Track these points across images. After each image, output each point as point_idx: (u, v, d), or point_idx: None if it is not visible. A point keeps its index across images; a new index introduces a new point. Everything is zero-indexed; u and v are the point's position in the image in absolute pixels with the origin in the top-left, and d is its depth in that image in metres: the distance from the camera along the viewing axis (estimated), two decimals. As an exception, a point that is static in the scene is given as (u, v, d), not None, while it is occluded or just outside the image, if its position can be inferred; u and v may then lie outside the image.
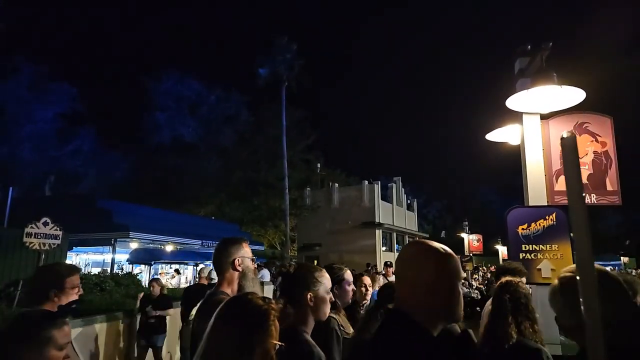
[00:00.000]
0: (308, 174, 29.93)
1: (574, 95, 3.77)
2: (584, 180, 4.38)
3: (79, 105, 27.46)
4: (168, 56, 52.60)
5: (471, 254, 28.38)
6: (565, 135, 0.95)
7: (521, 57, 4.44)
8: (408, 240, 32.40)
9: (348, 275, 2.74)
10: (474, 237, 27.90)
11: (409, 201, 33.08)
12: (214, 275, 7.00)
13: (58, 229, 5.15)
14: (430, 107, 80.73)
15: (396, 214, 29.64)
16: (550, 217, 4.28)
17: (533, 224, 4.30)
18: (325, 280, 1.88)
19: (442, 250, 1.18)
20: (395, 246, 29.81)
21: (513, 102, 4.08)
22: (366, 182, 27.49)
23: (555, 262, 4.22)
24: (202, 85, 31.56)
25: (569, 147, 0.96)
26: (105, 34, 49.76)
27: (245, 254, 2.11)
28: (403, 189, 31.64)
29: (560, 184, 4.41)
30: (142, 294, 6.12)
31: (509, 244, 4.42)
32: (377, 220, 26.56)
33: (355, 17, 76.83)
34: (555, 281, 1.52)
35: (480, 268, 24.07)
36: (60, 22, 46.36)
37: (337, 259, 22.73)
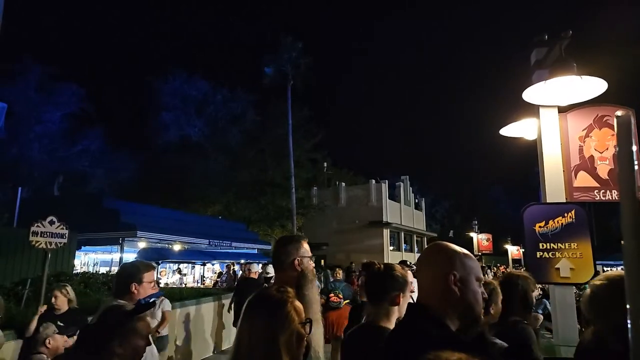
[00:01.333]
0: (315, 173, 29.82)
1: (595, 86, 3.60)
2: (605, 176, 4.21)
3: (87, 105, 27.64)
4: (174, 56, 52.84)
5: (480, 254, 28.12)
6: (619, 114, 0.83)
7: (538, 47, 4.28)
8: (416, 240, 32.15)
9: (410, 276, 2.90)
10: (483, 236, 27.64)
11: (416, 200, 32.84)
12: (255, 268, 7.98)
13: (64, 227, 5.09)
14: (439, 104, 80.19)
15: (404, 213, 29.43)
16: (569, 214, 4.12)
17: (551, 222, 4.14)
18: (410, 280, 2.03)
19: (458, 250, 1.25)
20: (403, 246, 29.60)
21: (530, 95, 3.92)
22: (373, 181, 27.32)
23: (575, 261, 4.06)
24: (209, 85, 31.62)
25: (624, 127, 0.81)
26: (112, 34, 50.11)
27: (304, 253, 2.10)
28: (411, 188, 31.41)
29: (580, 180, 4.24)
30: (44, 306, 4.37)
31: (526, 243, 4.26)
32: (384, 219, 26.39)
33: (363, 14, 76.51)
34: (587, 290, 1.62)
35: (491, 267, 23.78)
36: (67, 23, 46.75)
37: (344, 258, 22.59)
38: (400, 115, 78.60)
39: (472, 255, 1.26)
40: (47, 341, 3.15)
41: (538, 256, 4.13)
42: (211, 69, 52.11)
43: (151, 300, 1.87)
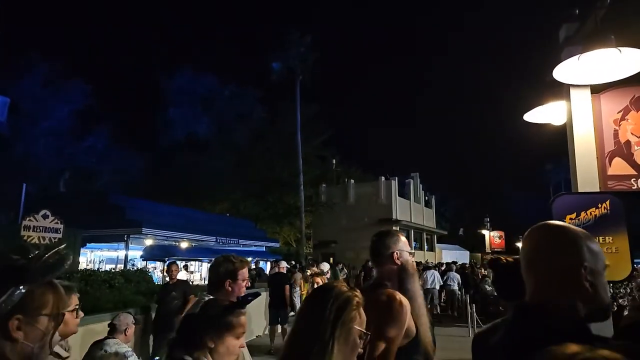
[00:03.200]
0: (323, 170, 29.49)
1: (636, 60, 3.22)
2: (643, 162, 3.82)
3: (94, 102, 27.65)
4: (181, 53, 52.77)
5: (492, 251, 27.58)
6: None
7: (568, 22, 3.90)
8: (426, 238, 31.62)
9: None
10: (495, 233, 27.11)
11: (426, 198, 32.33)
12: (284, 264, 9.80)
13: (59, 222, 4.84)
14: (452, 98, 78.96)
15: (413, 210, 28.97)
16: (604, 204, 3.74)
17: (583, 213, 3.77)
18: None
19: (580, 232, 1.03)
20: (413, 243, 29.14)
21: (560, 73, 3.55)
22: (383, 178, 26.92)
23: (610, 257, 3.67)
24: (216, 82, 31.46)
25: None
26: (119, 30, 50.26)
27: (403, 247, 2.11)
28: (421, 185, 30.93)
29: (615, 168, 3.85)
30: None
31: (554, 236, 3.90)
32: (394, 217, 25.98)
33: (370, 7, 75.78)
34: None
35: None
36: (74, 19, 47.00)
37: (353, 256, 22.25)
38: (411, 111, 77.79)
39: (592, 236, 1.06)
40: (126, 330, 3.41)
41: (569, 251, 3.76)
42: (218, 65, 51.88)
43: (249, 298, 1.78)
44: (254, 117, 30.32)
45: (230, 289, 2.16)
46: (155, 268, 14.23)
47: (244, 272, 2.26)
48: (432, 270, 11.74)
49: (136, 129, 35.05)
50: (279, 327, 8.11)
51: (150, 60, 50.63)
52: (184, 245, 15.03)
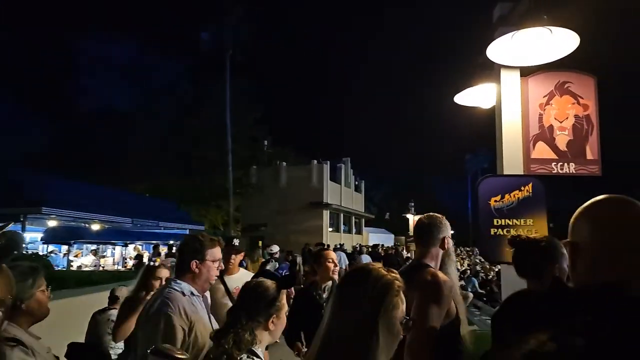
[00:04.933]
0: (255, 151, 28.66)
1: (566, 42, 3.21)
2: (563, 147, 3.91)
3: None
4: (101, 16, 47.69)
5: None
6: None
7: (503, 1, 3.84)
8: (354, 221, 32.40)
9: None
10: (419, 217, 28.51)
11: (356, 182, 33.01)
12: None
13: None
14: (386, 82, 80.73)
15: (344, 194, 29.42)
16: (526, 187, 3.79)
17: (507, 196, 3.78)
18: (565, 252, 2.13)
19: None
20: (342, 227, 29.67)
21: (493, 52, 3.47)
22: (315, 161, 26.88)
23: (529, 239, 3.76)
24: (140, 50, 28.94)
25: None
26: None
27: (449, 233, 2.22)
28: (352, 170, 31.46)
29: (538, 151, 3.91)
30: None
31: (479, 219, 3.90)
32: (324, 200, 26.14)
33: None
34: None
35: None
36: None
37: (283, 239, 22.01)
38: (346, 96, 78.67)
39: None
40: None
41: (492, 233, 3.77)
42: (142, 32, 47.72)
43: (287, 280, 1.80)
44: (181, 90, 28.41)
45: (197, 270, 2.00)
46: (57, 253, 12.72)
47: (215, 252, 2.06)
48: (339, 252, 12.24)
49: (43, 97, 31.17)
50: None
51: (64, 21, 45.17)
52: (95, 227, 13.61)
